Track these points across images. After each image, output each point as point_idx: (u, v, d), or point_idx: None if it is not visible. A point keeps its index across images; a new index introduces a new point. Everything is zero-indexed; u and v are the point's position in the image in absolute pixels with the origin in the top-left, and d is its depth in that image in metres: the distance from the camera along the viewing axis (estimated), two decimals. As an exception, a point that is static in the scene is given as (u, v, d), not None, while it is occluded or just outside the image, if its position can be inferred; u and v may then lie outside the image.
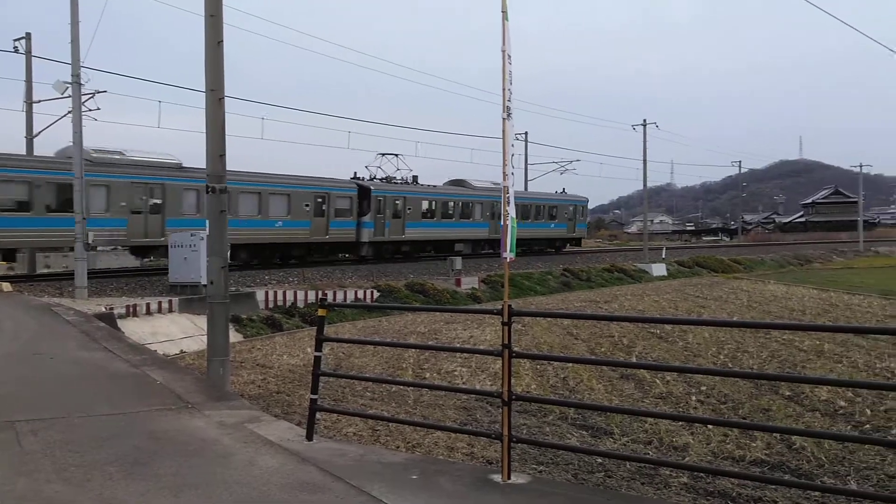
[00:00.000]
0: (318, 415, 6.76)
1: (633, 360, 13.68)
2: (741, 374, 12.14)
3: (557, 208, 48.22)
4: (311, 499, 5.05)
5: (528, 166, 56.17)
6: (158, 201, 26.74)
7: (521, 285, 29.83)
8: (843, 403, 10.18)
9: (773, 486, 6.70)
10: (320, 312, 6.76)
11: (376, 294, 24.47)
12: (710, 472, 6.94)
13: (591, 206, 56.55)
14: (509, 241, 5.84)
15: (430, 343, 15.25)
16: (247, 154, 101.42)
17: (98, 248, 24.56)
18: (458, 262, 30.42)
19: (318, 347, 6.62)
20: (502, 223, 5.91)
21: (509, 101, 5.81)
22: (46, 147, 36.19)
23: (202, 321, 14.18)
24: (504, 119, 5.78)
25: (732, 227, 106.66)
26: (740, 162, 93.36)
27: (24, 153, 26.90)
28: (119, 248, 26.23)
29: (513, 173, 6.03)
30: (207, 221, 9.85)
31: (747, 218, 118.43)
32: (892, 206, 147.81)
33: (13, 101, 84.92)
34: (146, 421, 7.01)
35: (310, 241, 32.75)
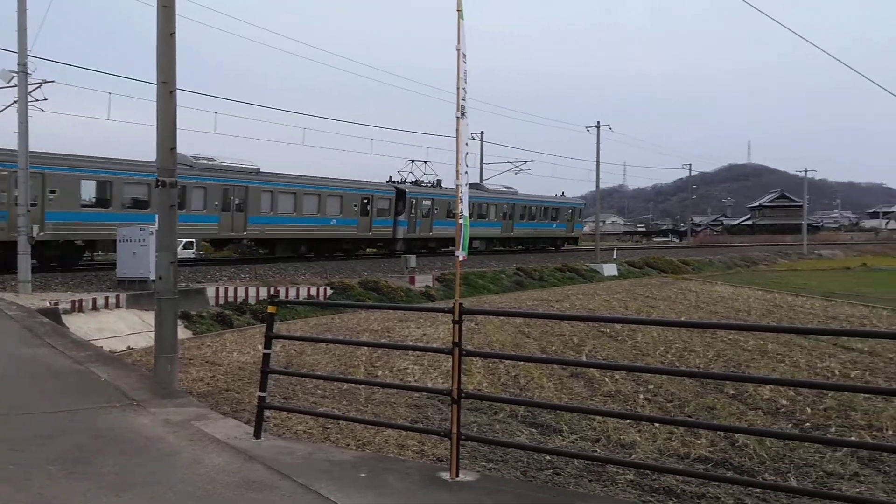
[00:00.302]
0: (267, 413, 6.70)
1: (584, 358, 13.83)
2: (687, 373, 12.37)
3: (559, 210, 53.21)
4: (257, 497, 5.00)
5: (483, 165, 56.45)
6: (242, 201, 30.83)
7: (475, 284, 29.93)
8: (784, 402, 10.43)
9: (717, 483, 6.84)
10: (270, 309, 6.71)
11: (330, 291, 24.30)
12: (656, 470, 7.06)
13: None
14: (462, 240, 5.86)
15: (382, 341, 15.18)
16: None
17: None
18: (413, 261, 30.41)
19: (268, 345, 6.57)
20: (455, 222, 5.93)
21: (464, 100, 5.84)
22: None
23: (150, 317, 13.86)
24: (458, 118, 5.81)
25: (682, 229, 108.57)
26: (690, 165, 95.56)
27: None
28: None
29: (466, 172, 6.07)
30: (157, 216, 9.63)
31: (696, 220, 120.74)
32: (835, 211, 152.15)
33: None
34: (90, 419, 6.86)
35: (357, 236, 37.22)
